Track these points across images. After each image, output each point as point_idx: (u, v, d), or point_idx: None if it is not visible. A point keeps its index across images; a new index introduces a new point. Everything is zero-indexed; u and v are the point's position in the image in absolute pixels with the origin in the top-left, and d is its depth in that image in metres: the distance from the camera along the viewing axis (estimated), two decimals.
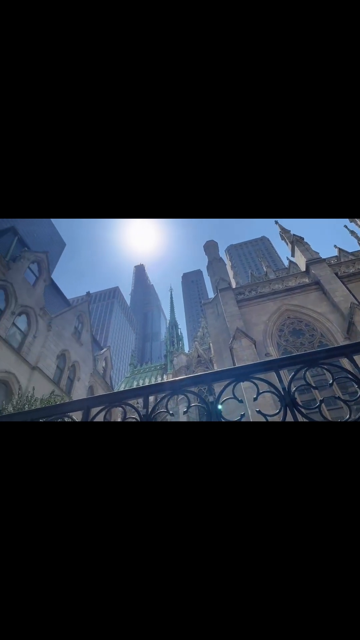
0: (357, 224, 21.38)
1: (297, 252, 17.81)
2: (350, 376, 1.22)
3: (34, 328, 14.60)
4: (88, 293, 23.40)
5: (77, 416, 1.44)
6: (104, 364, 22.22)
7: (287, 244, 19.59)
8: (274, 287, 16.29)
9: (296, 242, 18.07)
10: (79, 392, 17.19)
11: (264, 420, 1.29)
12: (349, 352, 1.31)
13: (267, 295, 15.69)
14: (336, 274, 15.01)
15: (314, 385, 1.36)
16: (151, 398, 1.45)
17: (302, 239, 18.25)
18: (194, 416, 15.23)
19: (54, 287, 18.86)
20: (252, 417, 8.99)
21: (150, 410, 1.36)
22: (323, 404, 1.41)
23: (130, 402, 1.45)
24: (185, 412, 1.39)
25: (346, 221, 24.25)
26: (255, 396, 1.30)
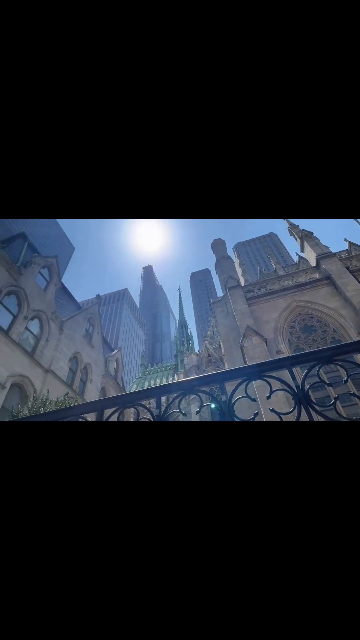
0: None
1: (307, 247, 17.52)
2: None
3: (46, 332, 14.87)
4: (98, 296, 23.67)
5: (91, 418, 1.46)
6: (115, 366, 22.43)
7: (296, 239, 19.30)
8: (283, 284, 16.08)
9: (305, 237, 17.78)
10: (92, 394, 17.41)
11: (277, 418, 1.28)
12: None
13: (277, 292, 15.50)
14: (347, 268, 14.69)
15: (328, 382, 1.34)
16: (163, 398, 1.46)
17: (312, 233, 17.95)
18: (206, 416, 15.20)
19: (64, 290, 19.17)
20: (265, 415, 8.91)
21: (163, 410, 1.37)
22: (338, 401, 1.39)
23: (143, 402, 1.46)
24: (197, 412, 1.39)
25: None
26: (268, 394, 1.29)
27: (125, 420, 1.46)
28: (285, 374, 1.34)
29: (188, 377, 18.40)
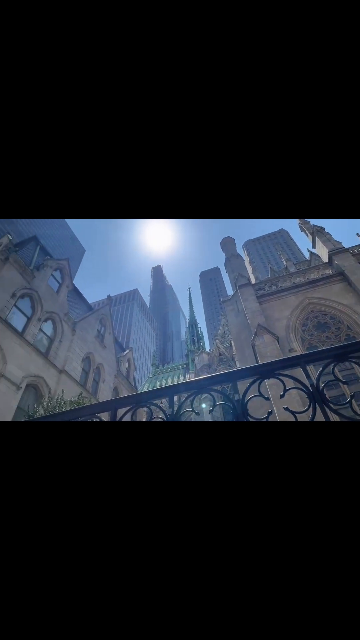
0: None
1: (319, 243, 17.17)
2: None
3: (59, 333, 15.16)
4: (109, 297, 23.94)
5: (104, 417, 1.49)
6: (127, 365, 22.65)
7: (307, 235, 18.95)
8: (295, 281, 15.82)
9: (317, 232, 17.43)
10: (105, 394, 17.64)
11: (291, 417, 1.26)
12: None
13: (289, 289, 15.26)
14: None
15: (343, 380, 1.32)
16: (175, 397, 1.47)
17: (323, 229, 17.57)
18: (218, 415, 15.15)
19: (76, 292, 19.47)
20: (279, 414, 8.80)
21: (175, 410, 1.38)
22: (353, 399, 1.36)
23: (156, 402, 1.47)
24: (210, 411, 1.39)
25: None
26: (281, 393, 1.27)
27: (137, 419, 1.48)
28: (298, 372, 1.32)
29: (199, 376, 18.36)
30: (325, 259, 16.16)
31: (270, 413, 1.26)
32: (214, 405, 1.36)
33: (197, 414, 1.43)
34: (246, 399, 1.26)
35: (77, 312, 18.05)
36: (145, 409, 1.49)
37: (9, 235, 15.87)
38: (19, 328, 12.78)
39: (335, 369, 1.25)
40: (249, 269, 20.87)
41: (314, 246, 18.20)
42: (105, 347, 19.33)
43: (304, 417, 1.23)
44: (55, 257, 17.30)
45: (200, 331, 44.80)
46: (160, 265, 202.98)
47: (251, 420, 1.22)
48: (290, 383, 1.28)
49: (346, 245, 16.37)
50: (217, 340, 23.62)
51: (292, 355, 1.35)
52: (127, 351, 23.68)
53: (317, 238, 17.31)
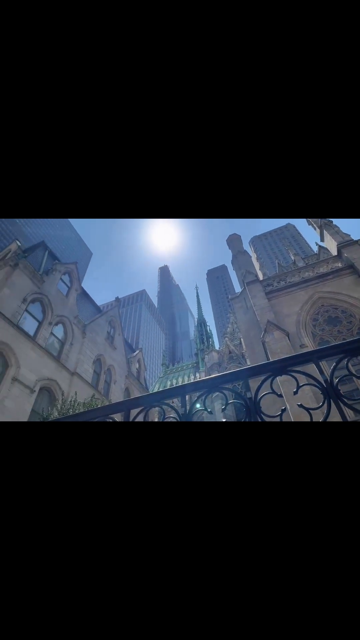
0: None
1: (327, 236, 16.88)
2: None
3: (70, 336, 15.37)
4: (117, 298, 24.13)
5: (117, 417, 1.50)
6: (137, 366, 22.79)
7: (314, 228, 18.65)
8: (304, 275, 15.59)
9: (325, 225, 17.13)
10: (116, 395, 17.80)
11: (305, 413, 1.25)
12: None
13: (298, 284, 15.06)
14: None
15: (357, 375, 1.29)
16: (187, 397, 1.47)
17: (331, 222, 17.27)
18: (231, 413, 15.08)
19: (84, 295, 19.71)
20: (292, 411, 8.71)
21: (188, 409, 1.38)
22: None
23: (168, 401, 1.48)
24: (223, 410, 1.39)
25: None
26: (295, 390, 1.26)
27: (150, 419, 1.48)
28: (311, 368, 1.30)
29: (210, 375, 18.33)
30: (334, 252, 15.88)
31: (284, 410, 1.25)
32: (227, 404, 1.36)
33: (210, 412, 1.43)
34: (259, 396, 1.25)
35: (86, 314, 18.27)
36: (157, 408, 1.49)
37: (18, 242, 16.17)
38: (31, 332, 13.02)
39: (349, 363, 1.23)
40: (257, 265, 20.69)
41: (322, 239, 17.90)
42: (115, 348, 19.50)
43: (318, 414, 1.21)
44: (64, 261, 17.54)
45: (209, 330, 44.69)
46: (166, 265, 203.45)
47: (265, 417, 1.22)
48: (303, 379, 1.26)
49: (355, 237, 16.00)
50: (227, 338, 23.51)
51: (305, 351, 1.33)
52: (136, 352, 23.83)
53: (325, 231, 17.02)
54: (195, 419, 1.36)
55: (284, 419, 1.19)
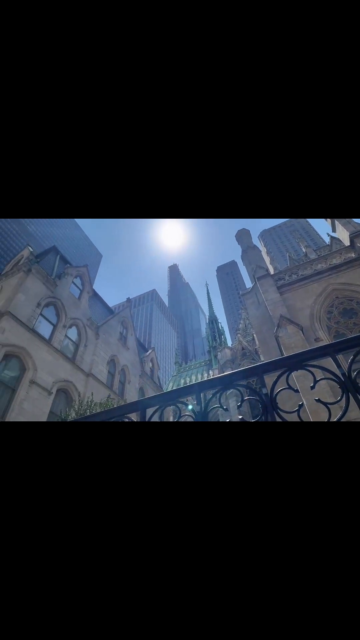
0: None
1: (338, 226, 16.43)
2: None
3: (84, 338, 15.64)
4: (128, 299, 24.35)
5: (133, 416, 1.52)
6: (150, 365, 22.94)
7: (326, 219, 18.19)
8: (316, 267, 15.25)
9: None
10: (131, 394, 17.99)
11: (323, 409, 1.23)
12: None
13: (310, 277, 14.75)
14: None
15: None
16: (202, 394, 1.47)
17: None
18: (245, 409, 14.98)
19: (96, 296, 19.98)
20: (309, 406, 8.57)
21: (203, 407, 1.38)
22: None
23: (184, 399, 1.48)
24: (239, 407, 1.38)
25: None
26: (312, 385, 1.24)
27: (165, 417, 1.49)
28: (328, 362, 1.28)
29: (223, 372, 18.19)
30: (346, 242, 15.44)
31: (301, 406, 1.23)
32: (242, 401, 1.35)
33: (226, 409, 1.42)
34: (275, 392, 1.24)
35: (99, 316, 18.53)
36: (172, 407, 1.50)
37: (30, 247, 16.55)
38: (46, 336, 13.32)
39: None
40: (267, 259, 20.39)
41: (333, 230, 17.44)
42: (128, 348, 19.70)
43: (336, 408, 1.19)
44: (75, 265, 17.83)
45: (221, 326, 44.44)
46: (176, 264, 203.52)
47: (281, 413, 1.20)
48: (319, 374, 1.24)
49: None
50: (239, 335, 23.32)
51: (321, 345, 1.31)
52: (149, 351, 23.98)
53: (336, 221, 16.56)
54: (210, 415, 1.36)
55: (301, 415, 1.17)
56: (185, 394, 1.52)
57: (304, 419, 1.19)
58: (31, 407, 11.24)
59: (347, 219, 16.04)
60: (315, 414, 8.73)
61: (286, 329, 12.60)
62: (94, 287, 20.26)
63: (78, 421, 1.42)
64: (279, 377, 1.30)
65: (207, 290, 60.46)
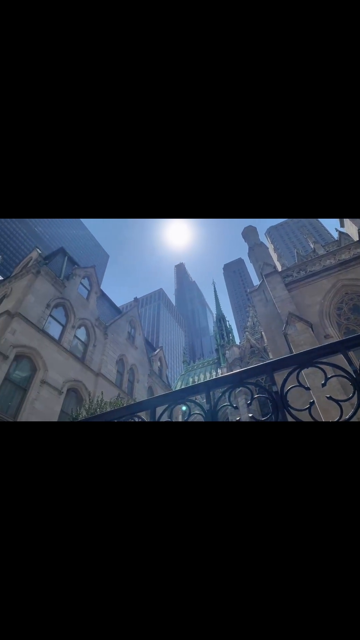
0: None
1: (347, 221, 16.14)
2: None
3: (92, 338, 15.80)
4: (135, 299, 24.47)
5: (143, 415, 1.53)
6: (159, 364, 23.02)
7: None
8: (325, 263, 15.02)
9: None
10: (140, 393, 18.10)
11: (335, 406, 1.21)
12: None
13: (319, 273, 14.54)
14: None
15: None
16: (211, 392, 1.47)
17: None
18: (255, 407, 14.90)
19: (104, 296, 20.14)
20: (320, 404, 8.47)
21: (213, 405, 1.38)
22: None
23: (193, 398, 1.49)
24: (249, 405, 1.38)
25: None
26: (323, 382, 1.23)
27: (174, 415, 1.50)
28: (339, 359, 1.26)
29: (232, 370, 18.11)
30: (355, 237, 15.15)
31: (312, 403, 1.22)
32: (252, 399, 1.35)
33: (236, 407, 1.42)
34: (285, 390, 1.23)
35: (107, 316, 18.68)
36: (180, 406, 1.51)
37: (38, 249, 16.78)
38: (56, 336, 13.50)
39: None
40: (274, 256, 20.17)
41: (342, 225, 17.15)
42: (136, 347, 19.81)
43: (348, 406, 1.18)
44: (82, 266, 18.00)
45: (229, 325, 44.24)
46: (182, 263, 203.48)
47: (292, 411, 1.20)
48: (330, 371, 1.23)
49: None
50: (247, 333, 23.18)
51: (332, 342, 1.29)
52: (157, 350, 24.06)
53: None
54: (220, 414, 1.36)
55: (312, 412, 1.16)
56: (195, 393, 1.52)
57: (315, 417, 1.18)
58: (42, 406, 11.42)
59: None
60: (326, 412, 8.63)
61: (295, 326, 12.46)
62: (102, 287, 20.39)
63: (89, 421, 1.45)
64: (289, 374, 1.29)
65: (214, 288, 60.25)
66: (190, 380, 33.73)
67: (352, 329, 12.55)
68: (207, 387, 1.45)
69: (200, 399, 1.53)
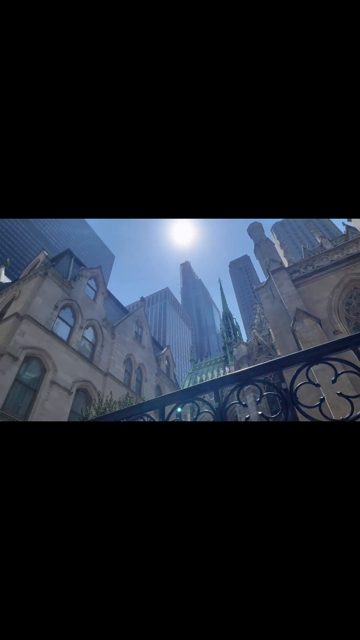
0: None
1: None
2: None
3: (100, 338, 15.92)
4: (142, 298, 24.54)
5: (151, 414, 1.54)
6: (166, 363, 23.07)
7: None
8: (332, 258, 14.79)
9: None
10: (149, 392, 18.18)
11: (345, 402, 1.20)
12: None
13: (327, 268, 14.33)
14: None
15: None
16: (219, 390, 1.47)
17: None
18: (263, 405, 14.82)
19: (110, 297, 20.26)
20: (329, 400, 8.37)
21: (222, 403, 1.38)
22: None
23: (202, 396, 1.49)
24: (258, 402, 1.37)
25: None
26: (333, 378, 1.21)
27: (183, 414, 1.50)
28: (348, 355, 1.25)
29: (239, 368, 18.00)
30: None
31: (322, 400, 1.21)
32: (261, 396, 1.34)
33: (245, 405, 1.42)
34: (295, 386, 1.22)
35: (113, 316, 18.79)
36: (190, 403, 1.51)
37: (45, 251, 16.96)
38: (64, 337, 13.65)
39: None
40: (281, 252, 19.97)
41: (349, 219, 16.83)
42: (144, 347, 19.89)
43: (358, 401, 1.16)
44: (88, 267, 18.14)
45: (236, 322, 43.98)
46: (187, 261, 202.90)
47: (302, 408, 1.19)
48: (340, 367, 1.22)
49: None
50: (254, 330, 23.03)
51: (341, 338, 1.28)
52: (165, 349, 24.11)
53: None
54: (229, 412, 1.36)
55: (322, 409, 1.15)
56: (203, 391, 1.52)
57: (326, 414, 1.16)
58: (53, 407, 11.58)
59: None
60: (336, 409, 8.52)
61: (303, 322, 12.32)
62: (108, 287, 20.52)
63: (99, 420, 1.46)
64: (298, 371, 1.28)
65: (220, 286, 59.94)
66: (198, 378, 33.70)
67: None
68: (215, 385, 1.45)
69: (209, 397, 1.53)
